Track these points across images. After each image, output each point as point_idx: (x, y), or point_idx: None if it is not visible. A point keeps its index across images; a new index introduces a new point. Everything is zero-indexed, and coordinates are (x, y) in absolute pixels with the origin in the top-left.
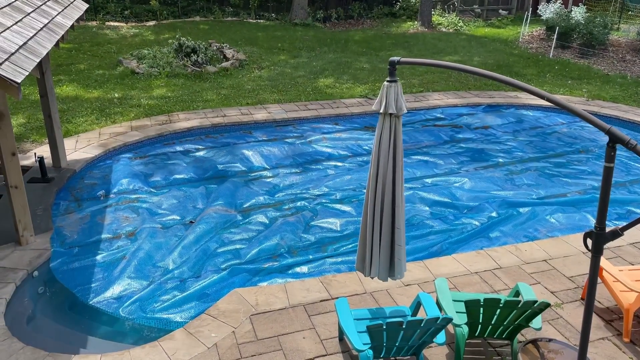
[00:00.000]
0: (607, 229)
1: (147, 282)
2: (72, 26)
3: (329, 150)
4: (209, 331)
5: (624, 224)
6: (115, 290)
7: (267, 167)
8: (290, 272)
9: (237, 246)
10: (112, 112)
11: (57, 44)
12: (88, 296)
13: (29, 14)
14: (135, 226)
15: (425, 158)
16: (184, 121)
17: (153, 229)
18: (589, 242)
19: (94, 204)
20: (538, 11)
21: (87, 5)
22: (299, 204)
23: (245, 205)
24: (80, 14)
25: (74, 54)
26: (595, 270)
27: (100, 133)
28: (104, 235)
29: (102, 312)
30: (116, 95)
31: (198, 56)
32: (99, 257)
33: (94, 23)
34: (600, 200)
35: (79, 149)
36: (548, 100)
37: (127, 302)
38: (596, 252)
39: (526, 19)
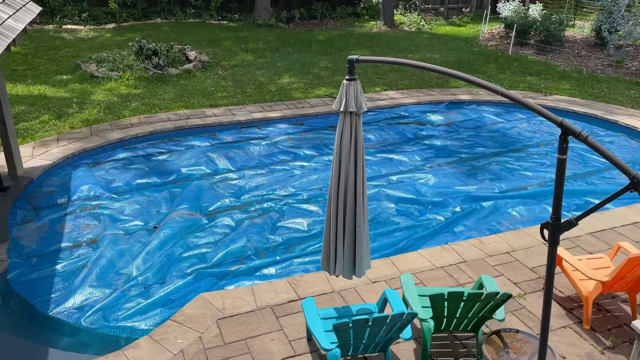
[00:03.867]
0: (563, 220)
1: (109, 291)
2: (25, 30)
3: (294, 150)
4: (174, 337)
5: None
6: (77, 300)
7: (233, 169)
8: (257, 274)
9: (203, 250)
10: (70, 118)
11: (8, 48)
12: (48, 307)
13: None
14: (97, 233)
15: (390, 156)
16: (146, 124)
17: (115, 235)
18: (546, 233)
19: (53, 212)
20: (497, 9)
21: (41, 8)
22: (265, 205)
23: (210, 209)
24: (33, 17)
25: (30, 58)
26: (552, 260)
27: (58, 139)
28: (63, 244)
29: (63, 323)
30: (75, 100)
31: (159, 58)
32: (58, 267)
33: (51, 26)
34: (555, 191)
35: (36, 155)
36: (502, 95)
37: (89, 312)
38: (552, 243)
39: (485, 17)
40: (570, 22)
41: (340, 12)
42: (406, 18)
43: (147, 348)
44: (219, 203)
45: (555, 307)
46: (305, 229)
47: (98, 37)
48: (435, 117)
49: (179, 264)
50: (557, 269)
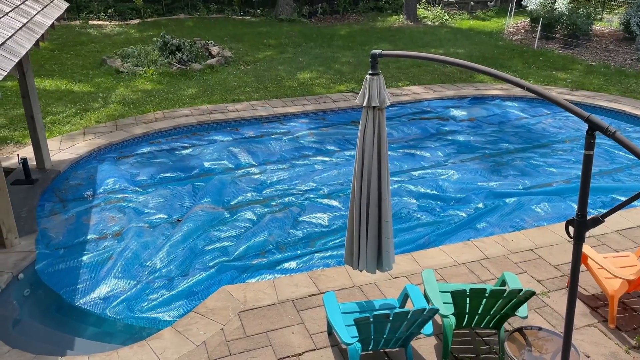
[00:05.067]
0: (589, 217)
1: (134, 282)
2: (53, 25)
3: (316, 145)
4: (197, 329)
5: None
6: (102, 290)
7: (255, 163)
8: (278, 268)
9: (225, 243)
10: (96, 112)
11: (37, 44)
12: (74, 297)
13: (7, 13)
14: (122, 226)
15: (412, 151)
16: (170, 119)
17: (140, 228)
18: (571, 229)
19: (79, 204)
20: (523, 2)
21: (68, 4)
22: (286, 199)
23: (232, 203)
24: (61, 13)
25: (57, 53)
26: (577, 257)
27: (84, 133)
28: (89, 236)
29: (89, 313)
30: (100, 94)
31: (183, 54)
32: (85, 258)
33: (77, 22)
34: (581, 187)
35: (63, 149)
36: (528, 89)
37: (115, 302)
38: (578, 240)
39: (510, 11)
40: (598, 16)
41: (363, 7)
42: (429, 12)
43: (170, 339)
44: (241, 197)
45: (579, 305)
46: (326, 224)
47: (123, 32)
48: (458, 113)
49: (202, 257)
50: (582, 267)
